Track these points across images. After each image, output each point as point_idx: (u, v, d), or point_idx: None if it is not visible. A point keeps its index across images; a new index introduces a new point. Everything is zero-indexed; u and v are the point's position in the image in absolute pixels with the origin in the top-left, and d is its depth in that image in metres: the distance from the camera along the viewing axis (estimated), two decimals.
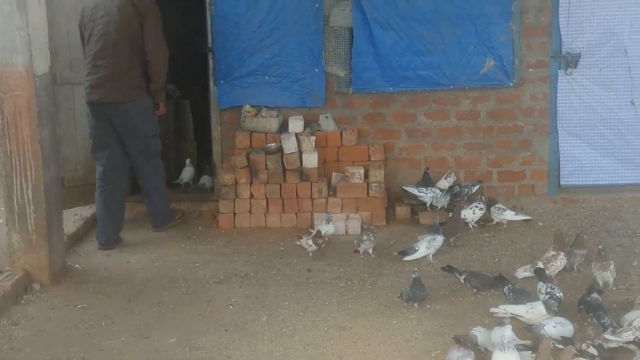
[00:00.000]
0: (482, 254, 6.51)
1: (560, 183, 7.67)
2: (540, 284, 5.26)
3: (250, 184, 7.32)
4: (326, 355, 4.77)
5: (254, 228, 7.30)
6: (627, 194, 7.55)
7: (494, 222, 7.04)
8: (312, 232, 6.68)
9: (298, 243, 6.46)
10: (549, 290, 5.15)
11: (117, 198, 6.94)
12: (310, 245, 6.29)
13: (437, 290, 5.73)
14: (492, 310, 5.05)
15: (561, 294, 5.14)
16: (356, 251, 6.46)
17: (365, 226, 6.55)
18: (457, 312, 5.33)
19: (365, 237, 6.38)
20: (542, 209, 7.57)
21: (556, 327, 4.62)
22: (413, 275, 5.38)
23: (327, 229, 6.78)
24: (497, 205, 7.04)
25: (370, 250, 6.44)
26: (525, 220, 7.04)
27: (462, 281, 5.65)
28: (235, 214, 7.35)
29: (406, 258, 6.21)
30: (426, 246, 6.21)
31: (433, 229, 6.36)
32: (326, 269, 6.27)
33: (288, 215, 7.33)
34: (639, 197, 7.53)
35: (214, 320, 5.33)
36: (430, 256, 6.26)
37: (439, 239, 6.25)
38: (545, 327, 4.65)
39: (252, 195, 7.33)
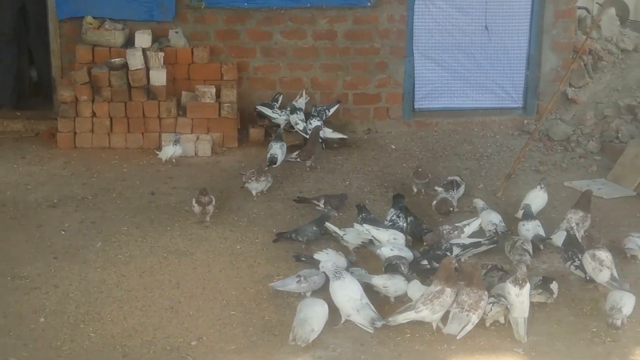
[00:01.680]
0: (334, 176, 6.41)
1: (415, 106, 7.65)
2: (391, 210, 5.23)
3: (93, 101, 6.81)
4: (163, 283, 4.53)
5: (96, 148, 6.83)
6: (477, 118, 7.63)
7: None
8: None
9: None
10: (394, 218, 5.13)
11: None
12: (194, 206, 5.37)
13: (284, 214, 5.59)
14: (356, 226, 4.92)
15: (404, 224, 5.11)
16: (243, 187, 5.88)
17: (265, 167, 6.01)
18: None
19: (263, 178, 5.81)
20: (396, 132, 7.53)
21: (393, 251, 4.59)
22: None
23: (174, 150, 6.45)
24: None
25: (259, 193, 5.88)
26: (341, 139, 7.02)
27: (322, 206, 5.51)
28: (75, 133, 6.84)
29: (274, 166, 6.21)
30: (280, 152, 6.26)
31: (277, 137, 6.44)
32: (171, 192, 5.96)
33: (134, 135, 6.90)
34: (488, 121, 7.62)
35: (43, 246, 4.95)
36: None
37: (285, 146, 6.39)
38: (382, 249, 4.61)
39: (94, 114, 6.83)
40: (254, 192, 5.83)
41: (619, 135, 7.05)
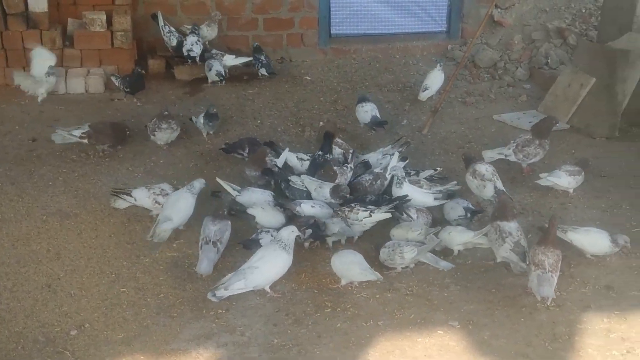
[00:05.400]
0: (243, 115, 5.77)
1: (331, 32, 7.00)
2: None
3: None
4: (40, 253, 3.88)
5: None
6: (398, 44, 7.04)
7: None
8: None
9: None
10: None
11: None
12: None
13: (186, 162, 4.96)
14: (294, 178, 4.49)
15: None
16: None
17: (165, 112, 5.12)
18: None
19: (165, 126, 5.00)
20: (311, 61, 6.88)
21: (314, 208, 4.06)
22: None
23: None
24: (212, 52, 6.38)
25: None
26: (246, 64, 6.38)
27: (246, 155, 4.93)
28: None
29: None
30: (223, 68, 6.20)
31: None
32: None
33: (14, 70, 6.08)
34: (410, 47, 7.04)
35: None
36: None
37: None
38: (302, 205, 4.09)
39: None
40: (159, 143, 5.12)
41: (549, 61, 6.64)
